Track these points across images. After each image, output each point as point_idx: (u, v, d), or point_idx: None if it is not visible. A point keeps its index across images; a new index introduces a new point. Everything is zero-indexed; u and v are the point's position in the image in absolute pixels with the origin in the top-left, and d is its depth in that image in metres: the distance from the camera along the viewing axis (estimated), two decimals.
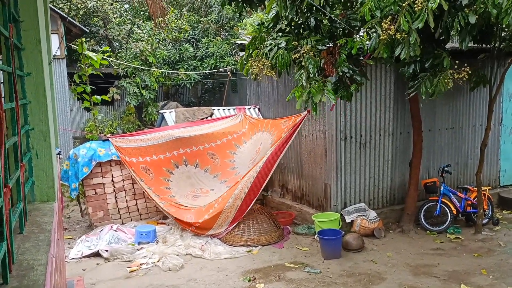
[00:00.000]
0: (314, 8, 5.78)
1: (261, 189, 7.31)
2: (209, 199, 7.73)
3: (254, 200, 7.27)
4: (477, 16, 5.02)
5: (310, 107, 5.78)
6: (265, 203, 9.29)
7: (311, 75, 5.58)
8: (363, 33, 6.23)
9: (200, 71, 14.32)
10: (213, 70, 14.18)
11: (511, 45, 6.75)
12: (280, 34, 6.05)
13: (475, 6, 5.00)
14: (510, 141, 9.15)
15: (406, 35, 4.95)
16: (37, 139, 2.83)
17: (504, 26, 5.21)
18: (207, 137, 8.32)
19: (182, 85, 15.11)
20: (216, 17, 15.36)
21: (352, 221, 7.52)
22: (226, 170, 8.17)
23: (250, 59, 6.15)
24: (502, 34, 6.63)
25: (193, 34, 15.44)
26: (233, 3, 6.48)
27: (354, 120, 7.64)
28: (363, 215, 7.54)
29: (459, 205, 7.77)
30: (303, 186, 8.46)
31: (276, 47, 5.83)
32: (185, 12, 16.29)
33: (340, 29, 6.16)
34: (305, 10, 5.75)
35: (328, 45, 6.02)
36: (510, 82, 8.75)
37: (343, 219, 7.52)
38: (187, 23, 15.22)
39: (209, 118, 9.35)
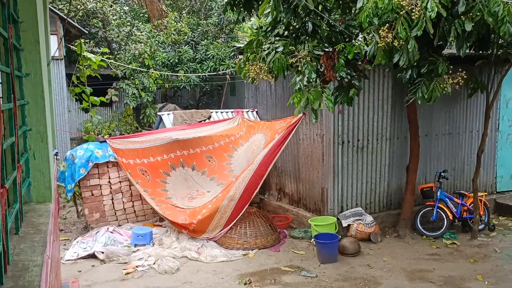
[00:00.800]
0: (312, 12, 5.79)
1: (255, 191, 7.30)
2: (204, 200, 7.75)
3: (249, 202, 7.26)
4: (473, 24, 5.05)
5: (310, 113, 5.79)
6: (261, 207, 9.28)
7: (312, 80, 5.59)
8: (362, 38, 6.25)
9: (200, 74, 14.33)
10: (213, 73, 14.19)
11: (508, 52, 6.78)
12: (277, 38, 6.06)
13: (471, 14, 5.03)
14: (507, 147, 9.18)
15: (404, 43, 4.98)
16: (34, 140, 2.83)
17: (501, 34, 5.23)
18: (205, 140, 8.33)
19: (181, 87, 15.12)
20: (216, 20, 15.39)
21: (349, 225, 7.52)
22: (223, 173, 8.17)
23: (247, 62, 6.16)
24: (500, 41, 6.66)
25: (193, 36, 15.46)
26: (234, 9, 6.50)
27: (352, 124, 7.66)
28: (360, 220, 7.55)
29: (455, 210, 7.79)
30: (300, 190, 8.46)
31: (274, 51, 5.84)
32: (185, 15, 16.31)
33: (339, 34, 6.18)
34: (303, 14, 5.76)
35: (327, 50, 6.04)
36: (507, 89, 8.78)
37: (340, 223, 7.52)
38: (186, 26, 15.24)
39: (207, 120, 9.36)
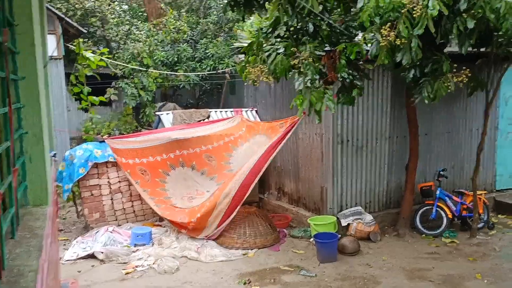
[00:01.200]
0: (312, 13, 5.78)
1: (251, 188, 7.25)
2: (203, 200, 7.75)
3: (243, 199, 7.23)
4: (475, 21, 5.04)
5: (313, 115, 5.78)
6: (261, 206, 9.28)
7: (313, 82, 5.59)
8: (362, 37, 6.24)
9: (199, 73, 14.30)
10: (212, 72, 14.16)
11: (507, 49, 6.76)
12: (278, 39, 6.06)
13: (473, 11, 5.02)
14: (506, 145, 9.16)
15: (406, 41, 4.97)
16: (30, 143, 2.83)
17: (503, 31, 5.23)
18: (204, 139, 8.32)
19: (180, 86, 15.08)
20: (216, 18, 15.34)
21: (348, 224, 7.52)
22: (222, 172, 8.17)
23: (248, 65, 6.15)
24: (500, 40, 6.63)
25: (192, 35, 15.42)
26: (235, 9, 6.50)
27: (351, 123, 7.65)
28: (359, 219, 7.54)
29: (454, 209, 7.79)
30: (299, 189, 8.46)
31: (275, 53, 5.83)
32: (184, 13, 16.28)
33: (339, 34, 6.17)
34: (304, 15, 5.75)
35: (328, 50, 6.03)
36: (506, 87, 8.74)
37: (339, 223, 7.52)
38: (185, 24, 15.19)
39: (206, 120, 9.35)
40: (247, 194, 7.30)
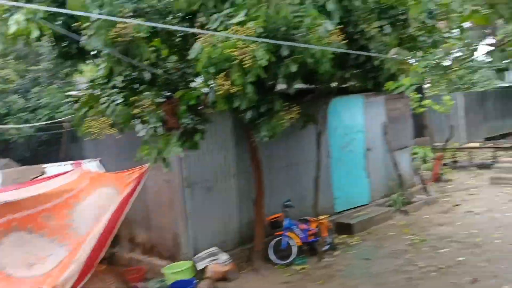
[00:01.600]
0: (147, 62, 5.76)
1: (105, 249, 6.82)
2: (47, 266, 6.96)
3: (97, 261, 6.73)
4: (298, 65, 5.57)
5: (161, 163, 5.70)
6: (113, 262, 8.68)
7: (156, 129, 5.54)
8: (200, 84, 6.40)
9: (33, 124, 13.15)
10: (48, 122, 13.14)
11: (328, 86, 7.64)
12: (116, 89, 5.92)
13: (295, 56, 5.55)
14: (339, 171, 10.11)
15: (241, 88, 5.23)
16: None
17: (320, 73, 5.86)
18: (40, 198, 7.48)
19: (13, 139, 13.66)
20: (48, 65, 14.40)
21: (206, 266, 7.46)
22: (65, 232, 7.42)
23: (86, 119, 5.87)
24: (320, 79, 7.43)
25: (22, 84, 14.20)
26: (68, 60, 6.19)
27: (198, 166, 7.73)
28: (215, 259, 7.55)
29: (302, 236, 8.28)
30: (152, 238, 8.18)
31: (114, 104, 5.68)
32: (11, 61, 14.94)
33: (176, 81, 6.25)
34: (137, 66, 5.70)
35: (168, 96, 6.05)
36: (332, 118, 9.62)
37: (196, 266, 7.42)
38: (13, 73, 13.94)
39: (42, 176, 8.51)
40: (101, 256, 6.81)
